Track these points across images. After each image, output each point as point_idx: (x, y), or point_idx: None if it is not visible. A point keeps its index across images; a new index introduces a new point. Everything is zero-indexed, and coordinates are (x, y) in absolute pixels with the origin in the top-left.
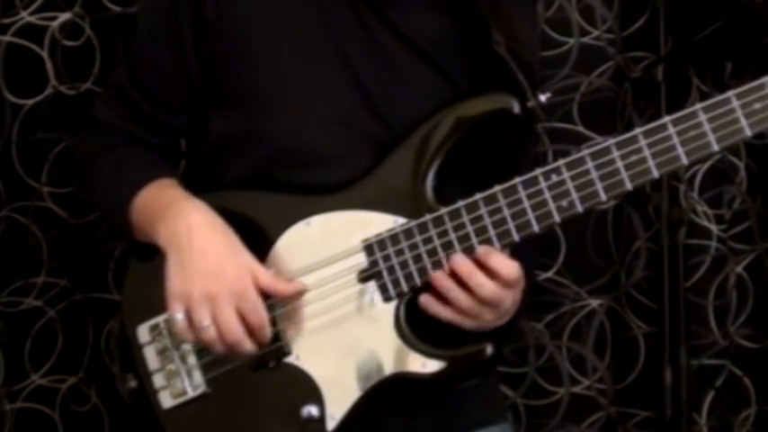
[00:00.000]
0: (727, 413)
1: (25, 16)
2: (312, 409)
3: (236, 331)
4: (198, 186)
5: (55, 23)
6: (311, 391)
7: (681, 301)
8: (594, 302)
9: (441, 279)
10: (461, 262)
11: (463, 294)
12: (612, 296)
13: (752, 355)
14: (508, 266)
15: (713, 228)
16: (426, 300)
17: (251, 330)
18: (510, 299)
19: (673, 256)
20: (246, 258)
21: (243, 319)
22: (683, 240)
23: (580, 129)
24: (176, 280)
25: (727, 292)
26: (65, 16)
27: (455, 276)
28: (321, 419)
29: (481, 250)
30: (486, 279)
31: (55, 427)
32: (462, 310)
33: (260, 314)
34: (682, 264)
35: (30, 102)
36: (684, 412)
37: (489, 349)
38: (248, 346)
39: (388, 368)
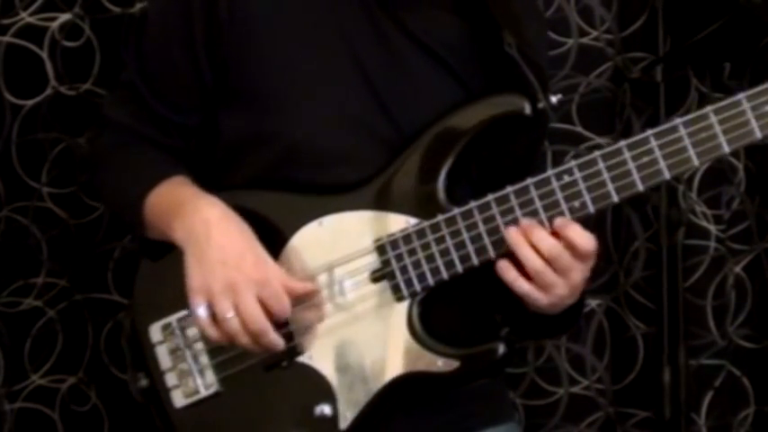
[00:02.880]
0: (726, 413)
1: (25, 17)
2: (325, 408)
3: (259, 320)
4: (210, 186)
5: (55, 24)
6: (324, 391)
7: (679, 302)
8: (593, 302)
9: (513, 236)
10: (528, 224)
11: (534, 254)
12: (611, 296)
13: (750, 356)
14: (584, 237)
15: (712, 228)
16: (503, 265)
17: (275, 319)
18: (581, 272)
19: (671, 256)
20: (262, 252)
21: (265, 308)
22: (681, 240)
23: (579, 129)
24: (196, 274)
25: (726, 292)
26: (64, 17)
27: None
28: (334, 418)
29: (558, 221)
30: (557, 242)
31: (55, 427)
32: (534, 274)
33: (282, 300)
34: (680, 264)
35: (30, 102)
36: (683, 412)
37: (501, 348)
38: (273, 336)
39: (401, 367)
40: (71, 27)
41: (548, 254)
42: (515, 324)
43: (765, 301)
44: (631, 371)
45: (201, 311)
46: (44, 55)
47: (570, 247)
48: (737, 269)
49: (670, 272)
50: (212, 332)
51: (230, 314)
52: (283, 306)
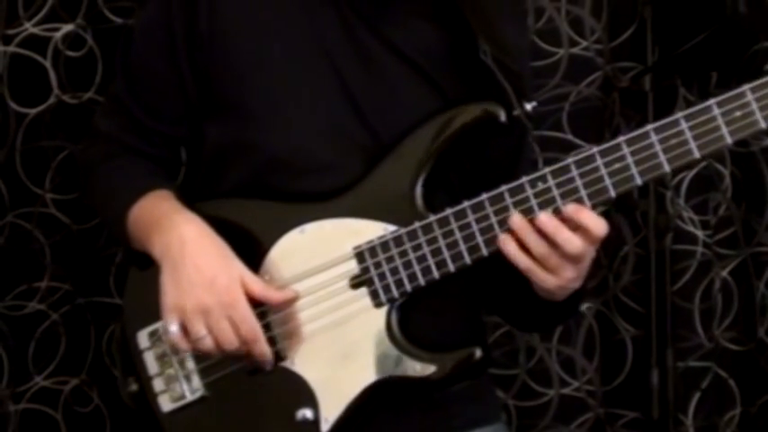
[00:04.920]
0: (713, 414)
1: (29, 27)
2: (307, 412)
3: (232, 342)
4: (196, 194)
5: (58, 34)
6: (306, 395)
7: (667, 305)
8: (583, 306)
9: (517, 222)
10: (546, 219)
11: (540, 240)
12: (601, 300)
13: (736, 358)
14: (598, 223)
15: (699, 233)
16: (504, 238)
17: (244, 341)
18: (591, 255)
19: (660, 260)
20: (238, 268)
21: (236, 329)
22: (669, 245)
23: (569, 137)
24: (170, 293)
25: (713, 295)
26: (67, 27)
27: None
28: (315, 422)
29: (570, 207)
30: (573, 234)
31: (58, 427)
32: (540, 258)
33: (251, 325)
34: (668, 268)
35: (33, 111)
36: (671, 413)
37: (478, 353)
38: (246, 353)
39: (380, 372)
40: (74, 37)
41: (568, 252)
42: (521, 316)
43: (751, 305)
44: (620, 373)
45: (174, 329)
46: (48, 64)
47: (584, 232)
48: (724, 273)
49: (658, 276)
50: (184, 346)
51: (203, 333)
52: (251, 329)
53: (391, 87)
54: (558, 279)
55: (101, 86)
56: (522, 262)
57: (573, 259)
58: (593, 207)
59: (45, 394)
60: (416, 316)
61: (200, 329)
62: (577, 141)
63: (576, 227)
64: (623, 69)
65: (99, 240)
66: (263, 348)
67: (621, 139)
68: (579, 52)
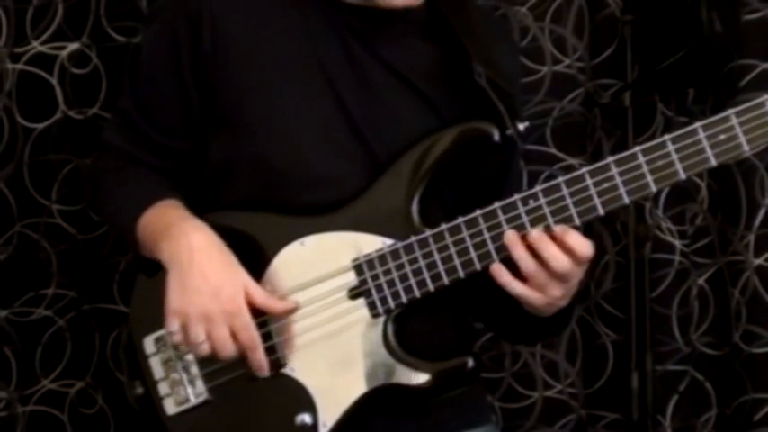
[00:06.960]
0: (690, 415)
1: (36, 46)
2: (305, 417)
3: (229, 349)
4: (200, 206)
5: (64, 53)
6: (305, 401)
7: (646, 311)
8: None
9: (510, 237)
10: (537, 235)
11: (529, 258)
12: (583, 306)
13: (712, 362)
14: (583, 245)
15: (677, 243)
16: (497, 268)
17: (243, 348)
18: (578, 276)
19: (639, 269)
20: (242, 277)
21: (235, 336)
22: (648, 254)
23: (553, 151)
24: (175, 297)
25: (690, 302)
26: (73, 46)
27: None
28: (314, 426)
29: (558, 228)
30: (560, 252)
31: (64, 428)
32: (528, 275)
33: (251, 334)
34: (647, 276)
35: (40, 126)
36: (650, 414)
37: (470, 362)
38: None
39: (377, 380)
40: (79, 55)
41: (553, 269)
42: (509, 329)
43: (726, 311)
44: (602, 376)
45: (174, 329)
46: (54, 81)
47: (569, 252)
48: (700, 281)
49: (638, 283)
50: (185, 348)
51: (201, 339)
52: (251, 339)
53: (387, 105)
54: (544, 296)
55: (105, 102)
56: (514, 289)
57: (559, 277)
58: (583, 224)
59: (51, 396)
60: (412, 326)
61: (199, 334)
62: (561, 155)
63: (564, 248)
64: (604, 86)
65: (103, 249)
66: (260, 356)
67: (610, 159)
68: (562, 70)
